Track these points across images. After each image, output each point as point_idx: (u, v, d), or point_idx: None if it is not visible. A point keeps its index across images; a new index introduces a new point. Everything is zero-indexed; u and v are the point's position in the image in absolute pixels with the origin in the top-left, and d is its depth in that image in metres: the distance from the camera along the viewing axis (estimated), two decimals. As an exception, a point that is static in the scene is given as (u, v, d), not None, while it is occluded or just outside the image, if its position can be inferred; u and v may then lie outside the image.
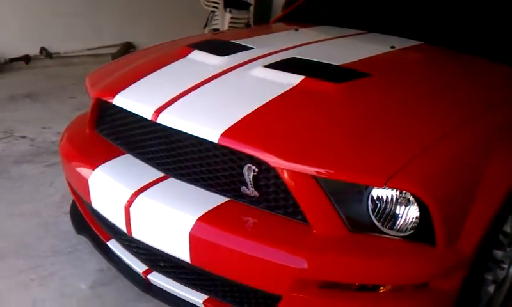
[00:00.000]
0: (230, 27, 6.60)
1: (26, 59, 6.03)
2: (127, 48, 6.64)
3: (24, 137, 3.91)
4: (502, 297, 2.10)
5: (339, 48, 2.53)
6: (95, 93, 2.19)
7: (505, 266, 2.08)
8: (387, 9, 3.09)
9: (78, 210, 2.35)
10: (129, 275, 2.04)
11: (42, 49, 6.16)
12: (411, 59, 2.49)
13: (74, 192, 2.31)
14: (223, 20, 6.70)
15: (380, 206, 1.61)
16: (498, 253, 1.97)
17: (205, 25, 6.93)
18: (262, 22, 6.49)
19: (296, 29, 2.91)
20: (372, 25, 2.89)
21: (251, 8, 6.89)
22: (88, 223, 2.28)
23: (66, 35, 6.23)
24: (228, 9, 6.66)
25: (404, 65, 2.37)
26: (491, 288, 1.99)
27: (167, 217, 1.73)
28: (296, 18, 3.31)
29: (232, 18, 6.66)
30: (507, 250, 2.05)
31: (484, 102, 2.04)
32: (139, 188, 1.82)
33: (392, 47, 2.47)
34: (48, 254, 2.48)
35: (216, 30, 6.59)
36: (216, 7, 6.74)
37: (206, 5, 6.81)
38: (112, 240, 2.13)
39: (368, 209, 1.62)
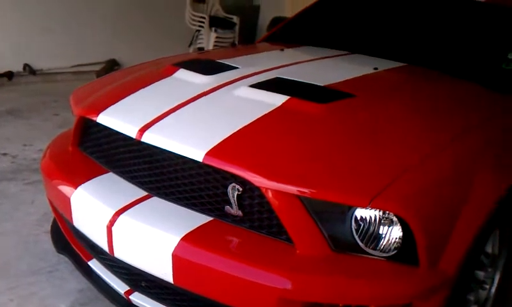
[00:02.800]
0: (215, 46, 6.64)
1: (9, 75, 5.99)
2: (112, 65, 6.63)
3: (5, 154, 3.87)
4: (485, 317, 2.11)
5: (323, 69, 2.55)
6: (79, 110, 2.17)
7: (487, 286, 2.09)
8: (370, 31, 3.13)
9: (59, 228, 2.32)
10: (110, 296, 2.01)
11: (25, 66, 6.12)
12: (394, 80, 2.51)
13: (55, 211, 2.28)
14: (208, 39, 6.74)
15: (363, 226, 1.61)
16: (480, 274, 1.98)
17: (190, 44, 6.97)
18: (248, 41, 6.54)
19: (282, 49, 2.93)
20: (356, 46, 2.92)
21: (236, 28, 6.94)
22: (69, 242, 2.25)
23: (49, 52, 6.21)
24: (213, 29, 6.71)
25: (387, 86, 2.39)
26: (474, 309, 2.00)
27: (150, 236, 1.71)
28: (281, 38, 3.33)
29: (217, 37, 6.71)
30: (489, 270, 2.07)
31: (467, 122, 2.07)
32: (121, 207, 1.80)
33: (375, 68, 2.49)
34: (28, 273, 2.44)
35: (201, 49, 6.63)
36: (202, 27, 6.79)
37: (191, 24, 6.86)
38: (94, 260, 2.10)
39: (351, 229, 1.62)
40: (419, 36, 2.94)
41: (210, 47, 6.63)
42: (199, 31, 6.88)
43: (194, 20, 6.83)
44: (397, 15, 3.17)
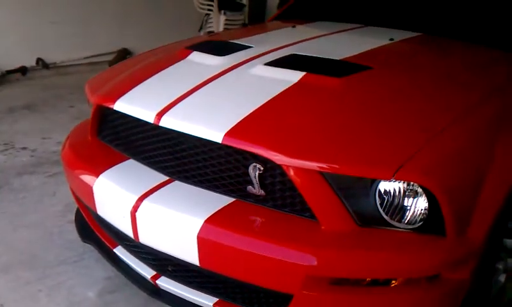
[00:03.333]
0: (224, 28, 6.60)
1: (23, 70, 6.02)
2: (124, 54, 6.63)
3: (24, 148, 3.90)
4: (514, 285, 2.09)
5: (338, 43, 2.52)
6: (95, 99, 2.17)
7: (516, 254, 2.07)
8: (384, 2, 3.08)
9: (83, 218, 2.33)
10: (137, 282, 2.02)
11: (38, 60, 6.15)
12: (411, 50, 2.48)
13: (78, 200, 2.29)
14: (218, 22, 6.69)
15: (388, 199, 1.60)
16: (509, 242, 1.96)
17: (200, 28, 6.93)
18: (257, 22, 6.48)
19: (293, 26, 2.89)
20: (369, 18, 2.88)
21: (246, 9, 6.88)
22: (94, 231, 2.26)
23: (61, 45, 6.22)
24: (222, 11, 6.66)
25: (404, 57, 2.36)
26: (503, 278, 1.97)
27: (174, 220, 1.71)
28: (292, 15, 3.30)
29: (226, 20, 6.66)
30: (518, 238, 2.04)
31: (487, 88, 2.03)
32: (144, 193, 1.80)
33: (391, 39, 2.46)
34: (55, 264, 2.47)
35: (211, 33, 6.59)
36: (211, 10, 6.74)
37: (200, 8, 6.81)
38: (119, 247, 2.12)
39: (376, 203, 1.61)
40: (433, 4, 2.89)
41: (220, 30, 6.59)
42: (208, 14, 6.84)
43: (202, 4, 6.78)
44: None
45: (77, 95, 4.99)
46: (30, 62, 6.09)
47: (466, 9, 2.78)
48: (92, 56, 6.43)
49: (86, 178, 2.03)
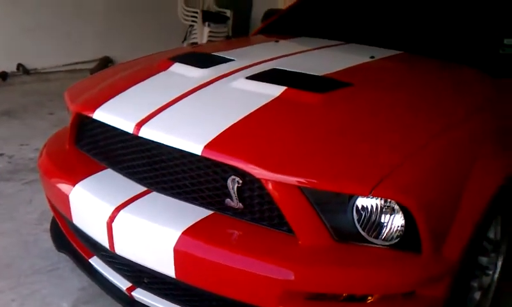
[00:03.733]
0: (208, 40, 6.62)
1: (3, 75, 5.95)
2: (105, 62, 6.60)
3: (1, 154, 3.85)
4: (489, 303, 2.11)
5: (319, 59, 2.54)
6: (74, 107, 2.15)
7: (491, 272, 2.09)
8: (366, 20, 3.11)
9: (58, 227, 2.30)
10: (112, 293, 2.00)
11: (19, 65, 6.09)
12: (391, 68, 2.50)
13: (54, 209, 2.26)
14: (202, 34, 6.71)
15: (365, 215, 1.60)
16: (483, 259, 1.98)
17: (184, 40, 6.94)
18: (241, 35, 6.51)
19: (276, 41, 2.91)
20: (351, 36, 2.91)
21: (230, 22, 6.91)
22: (69, 240, 2.23)
23: (43, 51, 6.17)
24: (206, 23, 6.68)
25: (385, 74, 2.38)
26: (478, 295, 1.99)
27: (150, 232, 1.70)
28: (276, 30, 3.31)
29: (210, 31, 6.68)
30: (492, 256, 2.06)
31: (466, 108, 2.06)
32: (121, 203, 1.79)
33: (372, 57, 2.48)
34: (29, 273, 2.43)
35: (195, 44, 6.60)
36: (195, 22, 6.76)
37: (184, 19, 6.83)
38: (95, 257, 2.09)
39: (353, 218, 1.61)
40: (414, 23, 2.93)
41: (204, 42, 6.60)
42: (192, 26, 6.85)
43: (187, 15, 6.80)
44: (392, 3, 3.15)
45: (57, 102, 4.94)
46: (10, 67, 6.02)
47: (447, 29, 2.83)
48: (74, 63, 6.39)
49: (63, 186, 2.00)
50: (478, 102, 2.17)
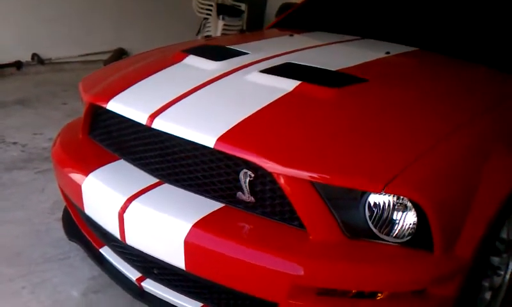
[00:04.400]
0: (222, 34, 6.61)
1: (18, 65, 5.99)
2: (119, 54, 6.62)
3: (15, 143, 3.87)
4: (499, 304, 2.09)
5: (334, 54, 2.52)
6: (88, 97, 2.16)
7: (502, 273, 2.07)
8: (382, 15, 3.09)
9: (70, 216, 2.32)
10: (122, 283, 2.01)
11: (34, 55, 6.12)
12: (406, 64, 2.49)
13: (66, 199, 2.27)
14: (216, 27, 6.70)
15: (377, 212, 1.60)
16: (495, 259, 1.96)
17: (198, 32, 6.93)
18: (255, 29, 6.50)
19: (291, 35, 2.90)
20: (367, 31, 2.89)
21: (244, 15, 6.89)
22: (81, 230, 2.25)
23: (58, 41, 6.21)
24: (221, 17, 6.67)
25: (399, 70, 2.37)
26: (488, 295, 1.98)
27: (161, 223, 1.70)
28: (290, 24, 3.30)
29: (224, 25, 6.67)
30: (504, 256, 2.04)
31: (480, 106, 2.04)
32: (133, 194, 1.79)
33: (387, 53, 2.47)
34: (40, 261, 2.44)
35: (209, 37, 6.59)
36: (209, 14, 6.75)
37: (199, 12, 6.82)
38: (105, 247, 2.10)
39: (365, 215, 1.61)
40: (431, 20, 2.90)
41: (218, 35, 6.59)
42: (206, 18, 6.84)
43: (201, 8, 6.79)
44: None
45: (71, 92, 4.98)
46: (25, 57, 6.06)
47: (463, 27, 2.80)
48: (88, 54, 6.41)
49: (75, 176, 2.02)
50: (492, 101, 2.14)
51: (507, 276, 2.11)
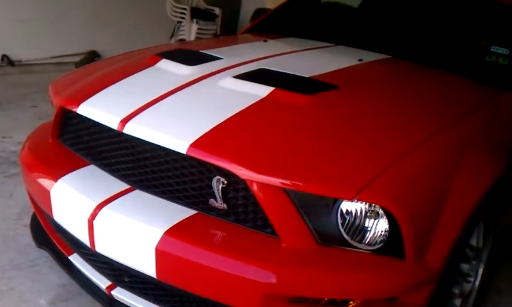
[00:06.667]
0: (196, 37, 6.59)
1: (-14, 66, 5.87)
2: (92, 56, 6.53)
3: (-18, 146, 3.78)
4: (469, 310, 2.12)
5: (308, 61, 2.53)
6: (58, 101, 2.12)
7: (471, 279, 2.10)
8: (355, 22, 3.12)
9: (39, 222, 2.27)
10: (92, 291, 1.97)
11: (3, 56, 6.00)
12: (379, 72, 2.51)
13: (35, 204, 2.23)
14: (190, 31, 6.68)
15: (349, 219, 1.60)
16: (465, 266, 1.99)
17: (172, 36, 6.90)
18: (229, 33, 6.50)
19: (265, 40, 2.90)
20: (340, 38, 2.91)
21: (218, 19, 6.89)
22: (49, 236, 2.20)
23: (28, 43, 6.09)
24: (195, 20, 6.65)
25: (372, 78, 2.38)
26: (458, 302, 2.00)
27: (132, 230, 1.68)
28: (264, 29, 3.30)
29: (198, 29, 6.66)
30: (473, 263, 2.07)
31: (451, 114, 2.07)
32: (103, 200, 1.76)
33: (360, 60, 2.48)
34: (7, 268, 2.38)
35: (182, 40, 6.57)
36: (183, 18, 6.72)
37: (173, 15, 6.79)
38: (75, 254, 2.06)
39: (337, 222, 1.61)
40: (403, 28, 2.94)
41: (192, 38, 6.57)
42: (180, 22, 6.81)
43: (175, 11, 6.76)
44: (381, 7, 3.16)
45: (42, 95, 4.88)
46: (-6, 58, 5.94)
47: (435, 35, 2.84)
48: (59, 56, 6.31)
49: (44, 181, 1.97)
50: (464, 109, 2.17)
51: (477, 283, 2.14)
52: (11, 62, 6.05)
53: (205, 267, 1.58)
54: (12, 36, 5.97)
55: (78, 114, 2.02)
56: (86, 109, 1.98)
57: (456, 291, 1.96)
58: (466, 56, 2.71)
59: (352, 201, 1.57)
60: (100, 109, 1.95)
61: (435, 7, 3.02)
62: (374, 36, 2.94)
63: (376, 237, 1.60)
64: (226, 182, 1.66)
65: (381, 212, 1.58)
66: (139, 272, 1.72)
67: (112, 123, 1.85)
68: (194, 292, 1.66)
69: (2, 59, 6.01)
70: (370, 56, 2.59)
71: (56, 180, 1.91)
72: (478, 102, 2.28)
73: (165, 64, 2.30)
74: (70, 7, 6.36)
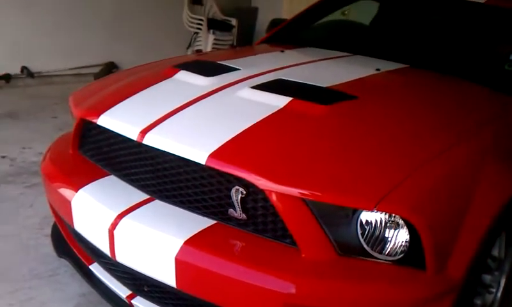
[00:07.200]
0: (213, 48, 6.63)
1: (7, 78, 5.95)
2: (110, 68, 6.60)
3: (3, 157, 3.83)
4: (490, 321, 2.09)
5: (325, 71, 2.53)
6: (79, 112, 2.15)
7: (494, 290, 2.07)
8: (372, 32, 3.11)
9: (59, 232, 2.29)
10: (112, 300, 1.99)
11: (23, 68, 6.08)
12: (396, 81, 2.50)
13: (56, 214, 2.25)
14: (206, 42, 6.72)
15: (369, 229, 1.59)
16: (487, 277, 1.96)
17: (188, 46, 6.95)
18: (245, 43, 6.52)
19: (282, 51, 2.91)
20: (357, 48, 2.91)
21: (234, 30, 6.93)
22: (70, 246, 2.22)
23: (47, 54, 6.17)
24: (211, 31, 6.70)
25: (390, 87, 2.38)
26: (480, 313, 1.97)
27: (152, 240, 1.69)
28: (281, 39, 3.31)
29: (215, 39, 6.70)
30: (495, 274, 2.05)
31: (471, 123, 2.05)
32: (123, 210, 1.78)
33: (377, 70, 2.48)
34: (28, 277, 2.41)
35: (199, 51, 6.61)
36: (200, 29, 6.77)
37: (189, 26, 6.84)
38: (95, 264, 2.08)
39: (357, 232, 1.60)
40: (421, 37, 2.93)
41: (208, 49, 6.61)
42: (197, 33, 6.86)
43: (192, 22, 6.81)
44: (399, 16, 3.15)
45: (61, 106, 4.95)
46: (14, 70, 6.02)
47: (453, 44, 2.83)
48: (78, 68, 6.39)
49: (65, 191, 2.00)
50: (483, 118, 2.15)
51: (499, 294, 2.11)
52: (30, 74, 6.14)
53: (225, 277, 1.58)
54: (32, 48, 6.06)
55: (98, 125, 2.04)
56: (106, 120, 2.00)
57: (478, 302, 1.94)
58: (485, 65, 2.69)
59: (372, 211, 1.57)
60: (120, 120, 1.97)
61: (453, 16, 3.01)
62: (392, 46, 2.93)
63: (396, 248, 1.59)
64: (245, 192, 1.66)
65: (401, 222, 1.57)
66: (159, 281, 1.72)
67: (132, 133, 1.87)
68: (214, 302, 1.66)
69: (22, 71, 6.10)
70: (387, 66, 2.58)
71: (76, 190, 1.93)
72: (497, 111, 2.27)
73: (183, 75, 2.32)
74: (88, 19, 6.44)
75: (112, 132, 1.97)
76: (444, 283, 1.60)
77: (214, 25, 6.78)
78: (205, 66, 2.48)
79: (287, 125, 1.87)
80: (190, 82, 2.24)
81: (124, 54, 6.61)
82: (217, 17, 7.02)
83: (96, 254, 2.03)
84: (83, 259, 2.13)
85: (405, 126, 1.95)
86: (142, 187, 1.89)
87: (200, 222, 1.72)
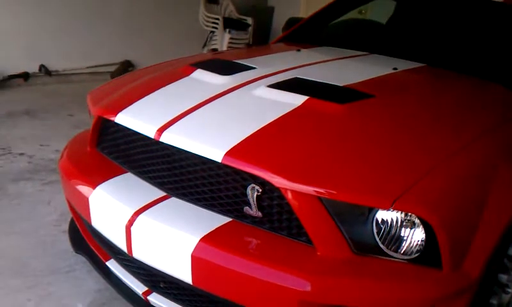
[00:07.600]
0: (229, 47, 6.64)
1: (25, 76, 6.03)
2: (126, 66, 6.65)
3: (22, 154, 3.89)
4: (507, 321, 2.07)
5: (342, 69, 2.53)
6: (96, 110, 2.17)
7: (510, 290, 2.05)
8: (389, 31, 3.10)
9: (77, 228, 2.32)
10: (128, 296, 2.01)
11: (41, 66, 6.16)
12: (413, 80, 2.49)
13: (73, 211, 2.28)
14: (222, 40, 6.74)
15: (385, 228, 1.59)
16: (503, 277, 1.95)
17: (204, 45, 6.97)
18: (261, 42, 6.53)
19: (298, 50, 2.91)
20: (374, 46, 2.90)
21: (250, 29, 6.93)
22: (87, 242, 2.25)
23: (65, 53, 6.25)
24: (227, 30, 6.71)
25: (407, 87, 2.37)
26: (496, 313, 1.96)
27: (169, 237, 1.70)
28: (297, 38, 3.31)
29: (231, 38, 6.71)
30: (512, 274, 2.03)
31: (488, 121, 2.04)
32: (140, 207, 1.79)
33: (395, 69, 2.47)
34: (46, 273, 2.44)
35: (215, 50, 6.63)
36: (216, 28, 6.79)
37: (205, 25, 6.86)
38: (112, 260, 2.10)
39: (373, 231, 1.60)
40: (438, 36, 2.91)
41: (224, 48, 6.63)
42: (213, 32, 6.88)
43: (208, 21, 6.83)
44: (416, 15, 3.14)
45: (78, 104, 5.00)
46: (32, 68, 6.10)
47: (470, 43, 2.81)
48: (95, 66, 6.45)
49: (83, 188, 2.02)
50: (500, 117, 2.14)
51: (515, 294, 2.09)
52: (48, 72, 6.21)
53: (240, 274, 1.59)
54: (49, 47, 6.13)
55: (116, 123, 2.06)
56: (123, 118, 2.02)
57: (494, 302, 1.92)
58: (503, 64, 2.67)
59: (388, 210, 1.56)
60: (137, 118, 1.99)
61: (471, 15, 2.98)
62: (409, 45, 2.92)
63: (412, 246, 1.59)
64: (260, 190, 1.67)
65: (417, 221, 1.57)
66: (175, 278, 1.74)
67: (150, 131, 1.89)
68: (229, 298, 1.67)
69: (40, 69, 6.17)
70: (405, 65, 2.57)
71: (94, 187, 1.96)
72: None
73: (200, 74, 2.33)
74: (105, 18, 6.49)
75: (130, 129, 1.99)
76: (460, 282, 1.60)
77: (230, 24, 6.79)
78: (222, 65, 2.49)
79: (303, 124, 1.87)
80: (206, 80, 2.26)
81: (140, 52, 6.66)
82: (233, 16, 7.03)
83: (113, 250, 2.05)
84: (100, 256, 2.15)
85: (421, 125, 1.94)
86: (159, 185, 1.90)
87: (215, 220, 1.73)
